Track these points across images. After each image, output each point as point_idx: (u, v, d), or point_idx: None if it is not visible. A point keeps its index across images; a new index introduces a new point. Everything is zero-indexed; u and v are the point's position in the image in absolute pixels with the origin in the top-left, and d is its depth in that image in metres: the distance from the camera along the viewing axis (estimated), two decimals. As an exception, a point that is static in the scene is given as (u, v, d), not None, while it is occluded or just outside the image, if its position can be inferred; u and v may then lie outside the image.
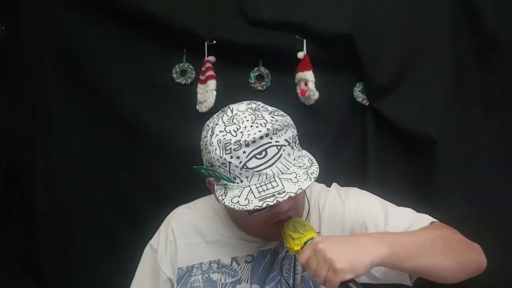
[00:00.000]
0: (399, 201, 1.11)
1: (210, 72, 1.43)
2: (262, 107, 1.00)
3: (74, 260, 1.53)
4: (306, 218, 1.09)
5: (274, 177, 0.93)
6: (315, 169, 0.96)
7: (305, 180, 0.93)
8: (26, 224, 1.52)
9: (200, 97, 1.46)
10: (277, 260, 1.08)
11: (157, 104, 1.50)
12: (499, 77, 1.40)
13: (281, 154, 0.94)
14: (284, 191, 0.91)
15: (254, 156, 0.92)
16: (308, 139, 1.45)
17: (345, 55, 1.43)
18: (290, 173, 0.94)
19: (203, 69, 1.45)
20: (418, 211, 1.08)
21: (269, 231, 1.03)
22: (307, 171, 0.95)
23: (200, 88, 1.47)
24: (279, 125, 0.94)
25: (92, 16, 1.50)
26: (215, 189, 0.98)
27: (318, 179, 1.18)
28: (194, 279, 1.10)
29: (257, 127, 0.93)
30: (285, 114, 1.01)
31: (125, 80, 1.51)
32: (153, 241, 1.18)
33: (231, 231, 1.11)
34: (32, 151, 1.51)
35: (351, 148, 1.49)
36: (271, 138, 0.93)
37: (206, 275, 1.10)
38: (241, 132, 0.92)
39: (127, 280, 1.19)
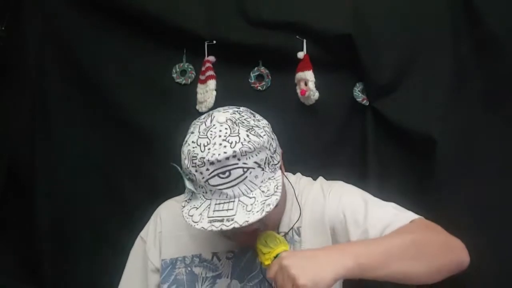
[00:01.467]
0: (399, 201, 1.10)
1: (210, 72, 1.43)
2: (245, 120, 0.97)
3: (74, 260, 1.53)
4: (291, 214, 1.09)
5: (234, 198, 0.93)
6: (274, 200, 0.92)
7: (257, 211, 0.90)
8: (26, 224, 1.52)
9: (200, 97, 1.46)
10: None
11: (157, 104, 1.50)
12: (499, 77, 1.40)
13: (247, 177, 0.92)
14: (233, 219, 0.90)
15: (217, 174, 0.92)
16: (308, 139, 1.46)
17: (345, 55, 1.43)
18: (250, 197, 0.93)
19: (203, 69, 1.45)
20: (417, 211, 1.07)
21: (241, 241, 1.04)
22: (265, 200, 0.92)
23: (200, 88, 1.47)
24: (249, 147, 0.92)
25: (92, 16, 1.50)
26: (185, 191, 0.99)
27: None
28: (178, 271, 1.12)
29: (225, 146, 0.91)
30: (263, 133, 0.96)
31: (125, 80, 1.51)
32: (143, 233, 1.20)
33: None
34: (32, 151, 1.51)
35: (351, 148, 1.49)
36: (238, 159, 0.92)
37: (189, 269, 1.12)
38: (209, 149, 0.92)
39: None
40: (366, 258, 0.87)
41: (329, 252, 0.90)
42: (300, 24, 1.41)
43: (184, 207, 0.96)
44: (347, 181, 1.18)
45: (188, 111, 1.48)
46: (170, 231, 1.15)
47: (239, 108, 1.01)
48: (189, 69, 1.49)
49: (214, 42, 1.43)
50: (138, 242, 1.20)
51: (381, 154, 1.45)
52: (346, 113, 1.48)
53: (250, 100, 1.44)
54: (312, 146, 1.46)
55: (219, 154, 0.91)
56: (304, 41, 1.41)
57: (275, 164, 0.98)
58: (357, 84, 1.46)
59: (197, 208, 0.94)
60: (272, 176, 0.97)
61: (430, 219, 1.05)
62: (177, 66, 1.49)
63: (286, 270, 0.85)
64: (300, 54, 1.41)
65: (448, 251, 0.98)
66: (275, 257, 0.93)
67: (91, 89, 1.52)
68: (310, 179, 1.18)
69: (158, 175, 1.51)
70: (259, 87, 1.48)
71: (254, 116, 1.01)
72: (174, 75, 1.50)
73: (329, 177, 1.18)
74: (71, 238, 1.54)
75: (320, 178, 1.17)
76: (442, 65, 1.41)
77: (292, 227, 1.08)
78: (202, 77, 1.46)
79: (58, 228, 1.53)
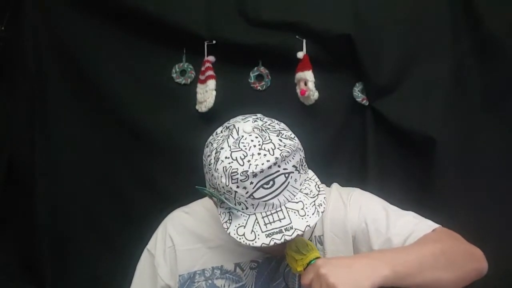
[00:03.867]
0: (399, 201, 1.11)
1: (210, 72, 1.43)
2: (269, 125, 0.95)
3: (73, 260, 1.53)
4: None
5: (280, 206, 0.91)
6: (322, 199, 0.93)
7: (312, 214, 0.90)
8: (26, 224, 1.52)
9: (199, 97, 1.46)
10: (282, 265, 1.07)
11: (157, 104, 1.50)
12: (499, 77, 1.40)
13: (289, 182, 0.90)
14: (292, 227, 0.89)
15: (261, 186, 0.88)
16: (307, 139, 1.45)
17: (345, 55, 1.43)
18: (297, 202, 0.92)
19: (203, 69, 1.45)
20: (418, 211, 1.07)
21: (273, 248, 1.00)
22: (314, 201, 0.92)
23: (200, 88, 1.47)
24: (288, 151, 0.90)
25: (92, 16, 1.50)
26: (219, 212, 0.95)
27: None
28: (198, 285, 1.08)
29: (265, 155, 0.88)
30: (292, 135, 0.95)
31: (125, 80, 1.51)
32: (150, 246, 1.15)
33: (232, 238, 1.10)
34: (32, 151, 1.51)
35: (351, 148, 1.49)
36: (279, 166, 0.89)
37: (210, 281, 1.08)
38: (248, 161, 0.88)
39: (126, 280, 1.18)
40: (402, 266, 0.87)
41: (365, 260, 0.89)
42: (300, 24, 1.41)
43: (228, 229, 0.92)
44: (347, 181, 1.18)
45: (188, 111, 1.48)
46: (183, 244, 1.11)
47: (256, 115, 0.98)
48: (189, 69, 1.49)
49: (214, 42, 1.43)
50: (145, 255, 1.15)
51: (381, 154, 1.45)
52: (346, 113, 1.48)
53: (250, 100, 1.46)
54: (312, 146, 1.45)
55: (262, 164, 0.87)
56: (304, 41, 1.41)
57: (305, 165, 0.98)
58: (357, 84, 1.46)
59: (244, 227, 0.90)
60: (307, 177, 0.96)
61: (430, 218, 1.05)
62: (177, 66, 1.49)
63: (325, 278, 0.84)
64: (300, 54, 1.41)
65: (472, 259, 0.99)
66: (307, 264, 0.92)
67: (90, 89, 1.52)
68: (324, 185, 1.16)
69: (158, 175, 1.51)
70: (258, 87, 1.48)
71: (273, 121, 0.98)
72: (174, 75, 1.50)
73: (329, 177, 1.18)
74: (71, 238, 1.54)
75: (335, 185, 1.15)
76: (442, 65, 1.41)
77: (312, 234, 1.06)
78: (201, 77, 1.46)
79: (58, 228, 1.53)
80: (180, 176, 1.45)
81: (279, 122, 0.98)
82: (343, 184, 1.18)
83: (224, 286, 1.08)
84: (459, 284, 0.96)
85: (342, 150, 1.49)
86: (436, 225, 1.03)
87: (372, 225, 1.02)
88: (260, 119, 0.96)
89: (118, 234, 1.51)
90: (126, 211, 1.52)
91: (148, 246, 1.16)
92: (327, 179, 1.17)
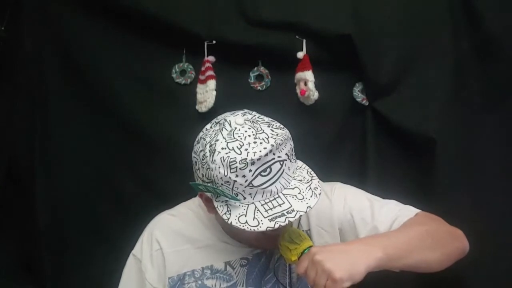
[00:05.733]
0: (399, 201, 1.11)
1: (210, 72, 1.43)
2: (258, 117, 0.98)
3: (73, 260, 1.54)
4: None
5: (277, 193, 0.93)
6: (317, 183, 0.96)
7: (310, 196, 0.93)
8: (26, 224, 1.52)
9: (199, 97, 1.46)
10: (272, 261, 1.08)
11: (156, 104, 1.50)
12: (499, 77, 1.40)
13: (284, 170, 0.93)
14: (293, 210, 0.91)
15: (259, 173, 0.90)
16: (307, 139, 1.46)
17: (345, 55, 1.43)
18: (293, 188, 0.94)
19: (203, 69, 1.45)
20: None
21: (263, 243, 1.04)
22: (309, 185, 0.95)
23: (200, 88, 1.47)
24: (281, 139, 0.93)
25: (92, 16, 1.50)
26: (216, 206, 0.95)
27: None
28: (188, 286, 1.08)
29: (261, 143, 0.91)
30: (282, 126, 0.98)
31: (125, 80, 1.51)
32: (135, 251, 1.14)
33: (220, 236, 1.09)
34: (32, 151, 1.51)
35: (350, 148, 1.49)
36: (274, 154, 0.91)
37: (200, 282, 1.08)
38: (246, 149, 0.90)
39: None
40: (393, 249, 0.91)
41: (358, 245, 0.92)
42: (300, 24, 1.41)
43: (229, 219, 0.92)
44: (347, 181, 1.18)
45: (187, 111, 1.48)
46: (170, 246, 1.10)
47: (243, 110, 1.00)
48: (189, 69, 1.49)
49: (214, 42, 1.43)
50: (131, 260, 1.14)
51: (381, 154, 1.45)
52: (346, 113, 1.48)
53: (250, 100, 1.46)
54: (312, 146, 1.46)
55: (260, 151, 0.90)
56: (304, 41, 1.41)
57: (295, 154, 1.00)
58: (357, 84, 1.46)
59: (245, 215, 0.91)
60: (298, 166, 0.99)
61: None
62: (177, 66, 1.49)
63: (320, 264, 0.86)
64: (300, 54, 1.41)
65: (454, 239, 1.04)
66: (301, 253, 0.93)
67: (91, 89, 1.52)
68: None
69: (158, 175, 1.51)
70: (258, 87, 1.48)
71: (260, 115, 1.00)
72: (174, 75, 1.50)
73: (329, 177, 1.18)
74: (71, 238, 1.54)
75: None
76: (442, 65, 1.41)
77: (299, 228, 1.06)
78: (202, 77, 1.46)
79: (58, 228, 1.53)
80: (180, 176, 1.44)
81: (266, 117, 1.00)
82: (343, 183, 1.18)
83: (215, 285, 1.08)
84: (444, 262, 1.00)
85: (342, 150, 1.49)
86: (417, 210, 1.07)
87: (358, 215, 1.06)
88: (249, 113, 0.99)
89: (118, 234, 1.50)
90: (126, 211, 1.52)
91: (133, 251, 1.15)
92: (326, 178, 1.17)
